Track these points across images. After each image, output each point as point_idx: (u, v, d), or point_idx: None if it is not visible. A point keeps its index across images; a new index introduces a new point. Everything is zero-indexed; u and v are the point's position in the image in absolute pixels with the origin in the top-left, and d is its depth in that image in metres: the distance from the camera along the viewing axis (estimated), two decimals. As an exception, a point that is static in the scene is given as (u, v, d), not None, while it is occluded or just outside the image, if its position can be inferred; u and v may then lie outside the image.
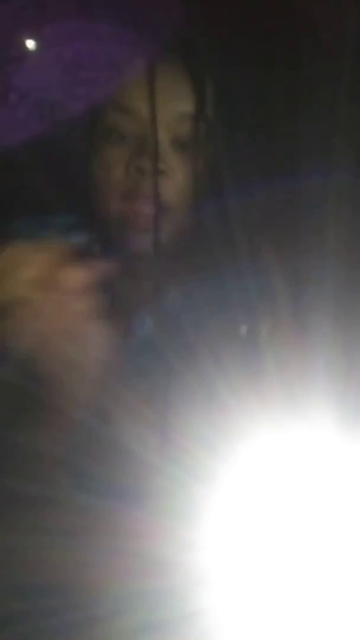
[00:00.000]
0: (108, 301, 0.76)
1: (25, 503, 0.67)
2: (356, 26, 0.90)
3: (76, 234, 0.83)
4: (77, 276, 0.73)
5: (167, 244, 0.81)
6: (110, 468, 0.70)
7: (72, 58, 0.72)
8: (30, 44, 0.73)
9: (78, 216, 0.85)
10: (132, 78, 0.79)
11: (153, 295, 0.83)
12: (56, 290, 0.72)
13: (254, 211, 0.85)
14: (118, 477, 0.71)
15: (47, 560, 0.66)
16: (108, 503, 0.69)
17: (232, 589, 0.67)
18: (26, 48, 0.73)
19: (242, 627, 0.66)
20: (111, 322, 0.76)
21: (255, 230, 0.86)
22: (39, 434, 0.70)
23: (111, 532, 0.68)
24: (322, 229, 0.87)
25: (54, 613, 0.65)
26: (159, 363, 0.77)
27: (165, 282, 0.84)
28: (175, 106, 0.82)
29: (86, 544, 0.67)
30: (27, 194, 0.81)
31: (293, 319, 0.85)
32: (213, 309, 0.87)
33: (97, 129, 0.82)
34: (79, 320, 0.72)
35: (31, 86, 0.71)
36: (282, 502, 0.69)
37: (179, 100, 0.82)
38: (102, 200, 0.82)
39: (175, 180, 0.82)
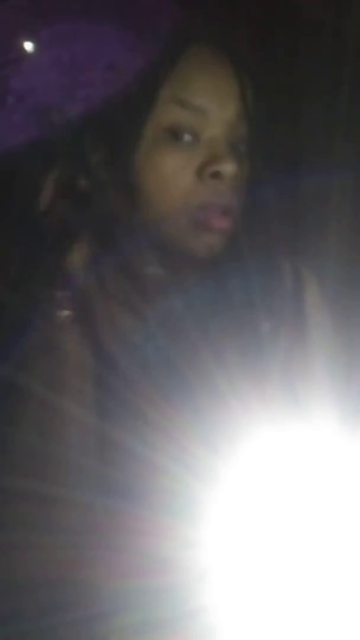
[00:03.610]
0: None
1: (27, 501, 0.67)
2: (358, 24, 0.90)
3: None
4: None
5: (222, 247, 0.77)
6: (112, 466, 0.71)
7: (70, 60, 0.73)
8: (28, 46, 0.73)
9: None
10: (194, 72, 0.74)
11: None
12: None
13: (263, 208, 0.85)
14: (120, 475, 0.71)
15: (48, 558, 0.66)
16: (110, 501, 0.70)
17: (234, 587, 0.67)
18: (24, 50, 0.73)
19: (243, 625, 0.66)
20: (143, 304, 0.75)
21: (264, 228, 0.86)
22: (42, 433, 0.70)
23: (113, 530, 0.68)
24: (323, 226, 0.87)
25: (55, 610, 0.66)
26: (162, 360, 0.78)
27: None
28: (235, 104, 0.76)
29: (88, 541, 0.68)
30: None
31: (295, 317, 0.85)
32: (217, 305, 0.87)
33: (155, 126, 0.73)
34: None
35: (29, 89, 0.71)
36: (283, 501, 0.69)
37: (237, 98, 0.76)
38: (163, 203, 0.74)
39: (240, 187, 0.77)
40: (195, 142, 0.75)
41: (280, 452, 0.71)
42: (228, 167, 0.74)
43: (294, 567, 0.67)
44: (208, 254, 0.77)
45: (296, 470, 0.70)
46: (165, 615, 0.66)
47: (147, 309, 0.77)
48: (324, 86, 0.90)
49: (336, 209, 0.87)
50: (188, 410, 0.75)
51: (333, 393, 0.79)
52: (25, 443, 0.70)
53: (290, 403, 0.79)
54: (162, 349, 0.78)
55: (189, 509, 0.68)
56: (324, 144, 0.88)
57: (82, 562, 0.67)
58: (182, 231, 0.75)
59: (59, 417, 0.69)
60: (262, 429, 0.73)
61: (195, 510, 0.68)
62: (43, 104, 0.72)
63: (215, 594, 0.66)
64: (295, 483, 0.69)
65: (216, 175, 0.74)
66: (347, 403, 0.77)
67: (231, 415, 0.75)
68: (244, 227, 0.84)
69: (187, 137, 0.74)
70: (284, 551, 0.68)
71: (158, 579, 0.67)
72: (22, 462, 0.69)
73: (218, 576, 0.67)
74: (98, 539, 0.68)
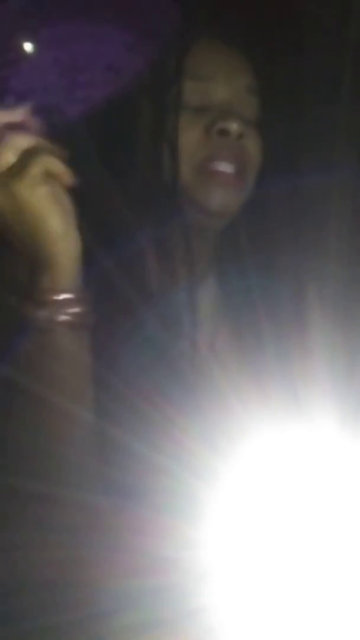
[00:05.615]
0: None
1: (26, 500, 0.67)
2: (358, 24, 0.90)
3: None
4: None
5: (235, 212, 0.82)
6: (112, 465, 0.71)
7: (70, 61, 0.73)
8: (27, 46, 0.73)
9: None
10: (203, 48, 0.82)
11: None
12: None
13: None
14: (120, 474, 0.71)
15: (48, 557, 0.66)
16: (110, 500, 0.69)
17: (234, 587, 0.67)
18: (24, 51, 0.73)
19: (243, 625, 0.66)
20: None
21: (264, 228, 0.86)
22: (40, 432, 0.70)
23: (113, 530, 0.68)
24: (323, 226, 0.87)
25: (55, 610, 0.66)
26: (162, 360, 0.78)
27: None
28: (244, 78, 0.83)
29: (88, 541, 0.68)
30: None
31: (295, 317, 0.85)
32: (217, 305, 0.87)
33: (172, 97, 0.80)
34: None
35: (29, 89, 0.71)
36: (283, 501, 0.69)
37: (246, 72, 0.83)
38: (178, 161, 0.80)
39: (249, 150, 0.82)
40: (204, 107, 0.81)
41: (281, 452, 0.71)
42: (234, 125, 0.80)
43: (294, 567, 0.67)
44: (221, 209, 0.81)
45: (296, 470, 0.70)
46: (165, 615, 0.66)
47: (147, 308, 0.77)
48: (325, 86, 0.90)
49: (336, 209, 0.87)
50: (188, 409, 0.75)
51: (333, 393, 0.79)
52: (24, 442, 0.69)
53: (290, 403, 0.79)
54: (162, 349, 0.78)
55: (189, 509, 0.68)
56: (324, 144, 0.88)
57: (82, 562, 0.66)
58: (193, 182, 0.80)
59: (58, 416, 0.69)
60: (263, 428, 0.73)
61: (195, 510, 0.68)
62: (42, 104, 0.72)
63: (216, 594, 0.66)
64: (295, 483, 0.69)
65: (222, 132, 0.80)
66: (347, 402, 0.77)
67: (232, 414, 0.75)
68: (244, 227, 0.85)
69: (200, 103, 0.81)
70: (284, 551, 0.68)
71: (158, 579, 0.66)
72: (22, 462, 0.69)
73: (219, 576, 0.67)
74: (98, 538, 0.67)
